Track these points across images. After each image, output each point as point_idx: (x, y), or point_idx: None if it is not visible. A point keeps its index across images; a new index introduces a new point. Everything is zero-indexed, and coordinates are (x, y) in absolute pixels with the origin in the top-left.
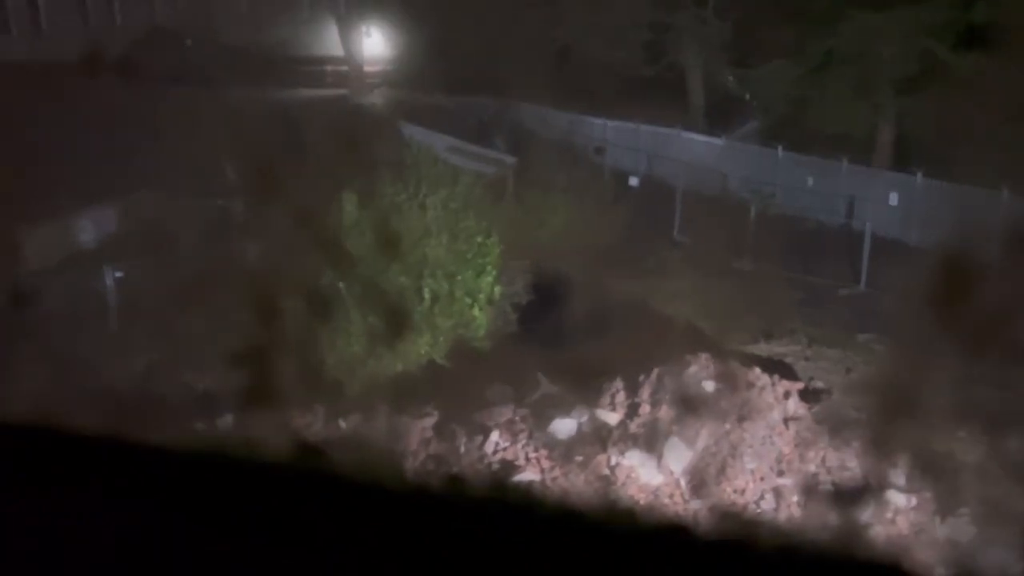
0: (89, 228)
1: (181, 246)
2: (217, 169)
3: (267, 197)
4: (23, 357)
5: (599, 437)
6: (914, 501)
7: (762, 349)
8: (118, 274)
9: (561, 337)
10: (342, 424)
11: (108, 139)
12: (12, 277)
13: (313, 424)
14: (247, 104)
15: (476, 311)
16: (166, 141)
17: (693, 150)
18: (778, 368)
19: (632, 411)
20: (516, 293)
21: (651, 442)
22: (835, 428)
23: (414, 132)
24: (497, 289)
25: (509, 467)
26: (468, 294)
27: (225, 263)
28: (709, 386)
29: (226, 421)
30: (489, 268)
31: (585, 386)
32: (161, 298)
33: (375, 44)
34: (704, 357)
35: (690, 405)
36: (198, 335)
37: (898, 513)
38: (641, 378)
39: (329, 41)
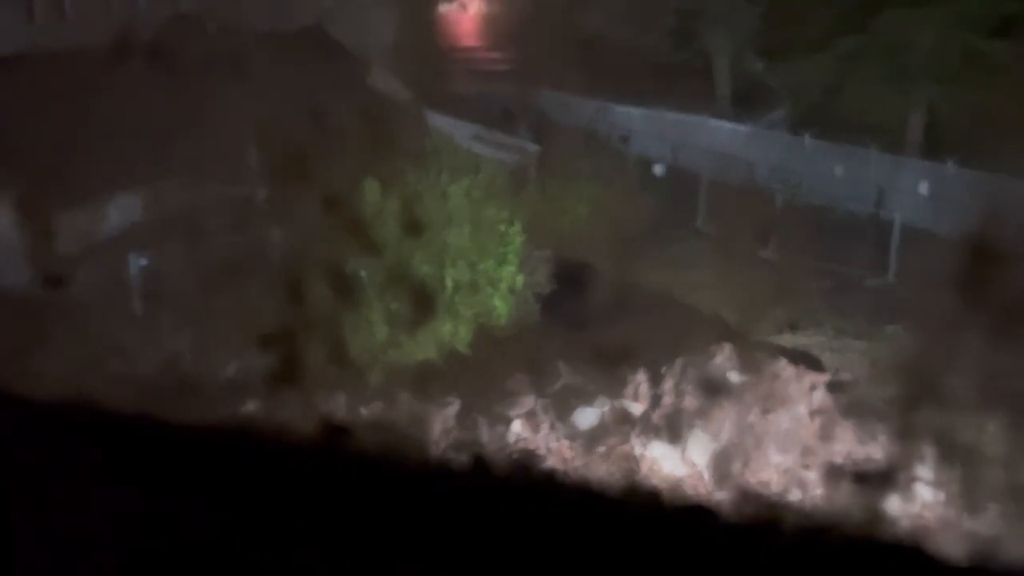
0: (115, 215)
1: (206, 233)
2: (242, 156)
3: (292, 184)
4: (50, 341)
5: (622, 428)
6: (941, 495)
7: (788, 340)
8: (143, 261)
9: (583, 327)
10: (364, 412)
11: (133, 126)
12: (42, 263)
13: (335, 411)
14: (271, 91)
15: (498, 300)
16: (191, 128)
17: (719, 138)
18: (804, 359)
19: (655, 402)
20: (538, 282)
21: (674, 433)
22: (861, 420)
23: (437, 120)
24: (519, 278)
25: (531, 457)
26: (490, 283)
27: (250, 251)
28: (734, 377)
29: (250, 407)
30: (511, 257)
31: (608, 376)
32: (187, 285)
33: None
34: (728, 348)
35: (714, 396)
36: (223, 322)
37: (925, 506)
38: (664, 368)
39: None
